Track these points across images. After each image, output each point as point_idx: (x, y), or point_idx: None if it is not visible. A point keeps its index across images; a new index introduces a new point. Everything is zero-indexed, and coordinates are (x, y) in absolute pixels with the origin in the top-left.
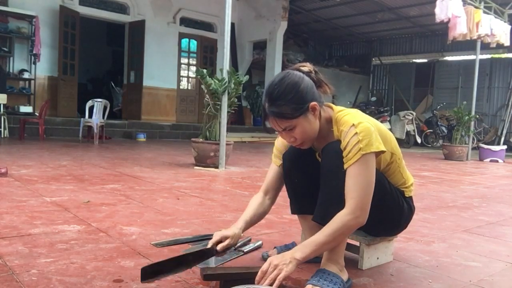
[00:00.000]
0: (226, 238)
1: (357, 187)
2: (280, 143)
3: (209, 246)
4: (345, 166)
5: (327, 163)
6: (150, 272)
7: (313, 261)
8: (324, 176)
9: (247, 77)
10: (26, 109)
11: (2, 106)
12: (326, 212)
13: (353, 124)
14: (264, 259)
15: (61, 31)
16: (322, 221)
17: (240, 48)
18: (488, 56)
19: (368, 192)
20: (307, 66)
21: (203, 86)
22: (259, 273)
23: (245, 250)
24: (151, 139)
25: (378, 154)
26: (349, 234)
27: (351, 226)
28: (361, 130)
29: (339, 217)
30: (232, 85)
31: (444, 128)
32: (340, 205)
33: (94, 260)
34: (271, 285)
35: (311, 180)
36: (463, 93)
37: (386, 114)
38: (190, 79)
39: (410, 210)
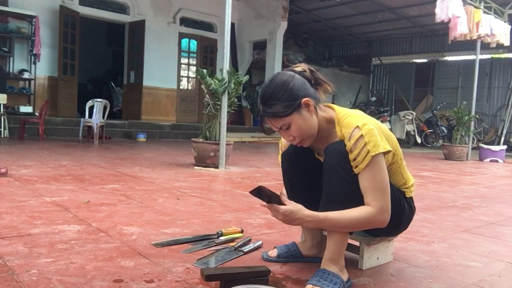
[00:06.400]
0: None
1: (376, 190)
2: (284, 143)
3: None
4: (356, 171)
5: (330, 163)
6: (257, 192)
7: (313, 261)
8: (326, 176)
9: (247, 77)
10: (26, 109)
11: (2, 106)
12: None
13: (357, 126)
14: (264, 259)
15: (61, 31)
16: None
17: (240, 48)
18: (488, 56)
19: (387, 192)
20: (301, 66)
21: (203, 86)
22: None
23: (245, 250)
24: (151, 139)
25: (385, 154)
26: (364, 228)
27: (373, 222)
28: (366, 132)
29: (365, 209)
30: (232, 85)
31: (444, 128)
32: (344, 205)
33: (94, 260)
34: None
35: (311, 179)
36: (463, 93)
37: (386, 114)
38: (190, 79)
39: (411, 210)
